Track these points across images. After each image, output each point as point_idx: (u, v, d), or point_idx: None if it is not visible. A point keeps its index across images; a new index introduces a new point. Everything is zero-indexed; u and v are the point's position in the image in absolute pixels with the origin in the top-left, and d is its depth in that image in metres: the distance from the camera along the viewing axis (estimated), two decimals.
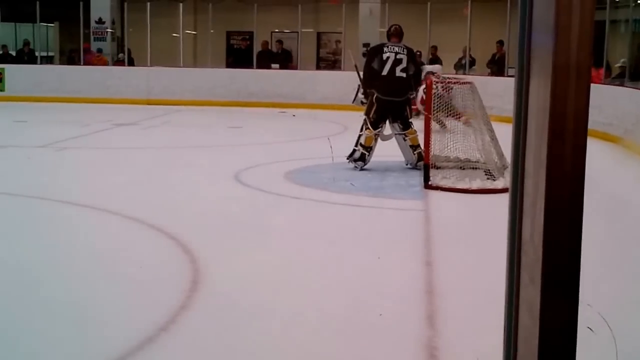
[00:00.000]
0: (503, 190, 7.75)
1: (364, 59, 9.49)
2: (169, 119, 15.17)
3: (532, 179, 1.39)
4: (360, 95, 8.95)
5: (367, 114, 8.88)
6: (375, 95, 8.77)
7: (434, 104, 8.10)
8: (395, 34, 9.01)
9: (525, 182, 1.43)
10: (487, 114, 8.46)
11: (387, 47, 8.88)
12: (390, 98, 8.73)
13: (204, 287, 4.65)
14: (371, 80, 8.90)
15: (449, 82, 8.45)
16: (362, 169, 8.84)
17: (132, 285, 4.70)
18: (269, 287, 4.72)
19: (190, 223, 6.24)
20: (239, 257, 5.33)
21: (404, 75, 8.72)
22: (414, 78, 8.85)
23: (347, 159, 8.90)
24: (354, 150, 8.92)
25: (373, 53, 9.08)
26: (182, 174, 8.69)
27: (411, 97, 9.01)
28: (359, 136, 8.94)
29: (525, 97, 1.40)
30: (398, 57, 8.75)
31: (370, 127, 8.79)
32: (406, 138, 8.88)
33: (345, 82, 16.41)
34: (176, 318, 4.10)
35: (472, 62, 17.44)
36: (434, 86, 8.09)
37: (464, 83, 8.46)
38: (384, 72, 8.72)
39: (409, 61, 8.80)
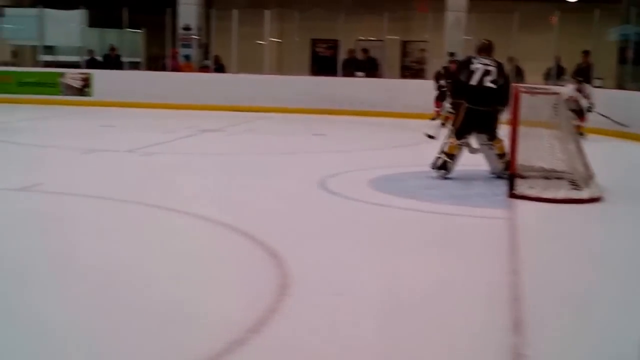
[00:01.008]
0: (589, 201, 7.70)
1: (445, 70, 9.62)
2: (253, 126, 15.44)
3: None
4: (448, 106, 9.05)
5: (453, 123, 8.93)
6: (463, 105, 8.81)
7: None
8: (484, 49, 9.02)
9: None
10: (572, 124, 8.36)
11: (476, 59, 8.92)
12: (478, 107, 8.74)
13: (292, 291, 4.75)
14: (460, 91, 8.96)
15: (536, 92, 8.39)
16: (445, 178, 8.85)
17: (222, 287, 4.86)
18: (356, 293, 4.80)
19: (278, 228, 6.38)
20: (326, 263, 5.44)
21: (494, 86, 8.73)
22: (504, 91, 8.80)
23: (431, 167, 8.94)
24: (438, 158, 8.94)
25: (461, 66, 9.20)
26: (268, 180, 8.86)
27: (500, 109, 8.96)
28: (444, 144, 8.98)
29: None
30: (487, 68, 8.77)
31: (454, 136, 8.83)
32: (493, 147, 8.88)
33: (430, 90, 16.55)
34: (266, 321, 4.21)
35: (561, 72, 17.16)
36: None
37: (552, 94, 8.38)
38: (473, 82, 8.75)
39: (498, 74, 8.81)
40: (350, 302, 4.63)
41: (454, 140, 8.84)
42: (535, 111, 8.23)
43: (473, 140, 9.12)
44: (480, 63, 8.82)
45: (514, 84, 9.14)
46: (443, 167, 8.87)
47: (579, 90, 11.24)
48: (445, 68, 15.74)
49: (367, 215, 7.22)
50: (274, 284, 4.85)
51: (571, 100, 10.50)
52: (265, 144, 12.77)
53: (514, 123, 8.03)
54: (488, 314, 4.43)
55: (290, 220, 6.81)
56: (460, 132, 8.86)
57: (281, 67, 21.27)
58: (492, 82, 8.74)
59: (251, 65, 19.23)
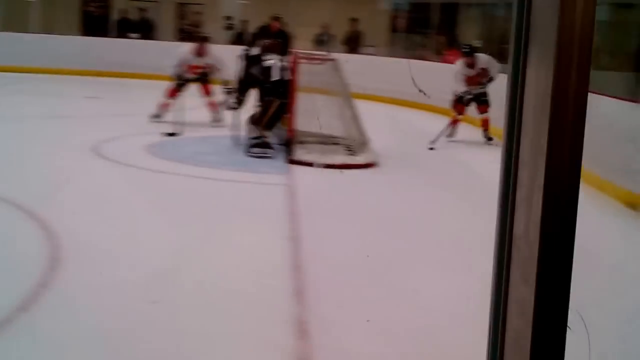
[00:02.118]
0: (364, 165, 7.93)
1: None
2: (21, 87, 14.46)
3: (528, 169, 1.29)
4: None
5: (261, 117, 8.64)
6: (274, 101, 8.60)
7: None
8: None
9: (519, 172, 1.32)
10: (349, 91, 8.55)
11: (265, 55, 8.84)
12: (285, 100, 8.63)
13: (65, 264, 4.50)
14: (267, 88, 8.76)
15: (313, 59, 8.48)
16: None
17: None
18: (133, 261, 4.65)
19: (48, 198, 6.02)
20: (102, 233, 5.20)
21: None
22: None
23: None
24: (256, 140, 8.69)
25: (252, 61, 8.90)
26: (38, 146, 8.32)
27: None
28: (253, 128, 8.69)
29: (521, 80, 1.31)
30: (283, 64, 8.71)
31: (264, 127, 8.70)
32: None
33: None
34: (37, 297, 3.95)
35: (330, 38, 17.37)
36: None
37: (328, 60, 8.51)
38: (275, 77, 8.63)
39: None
40: (132, 274, 4.45)
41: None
42: (312, 77, 8.34)
43: None
44: (273, 59, 8.72)
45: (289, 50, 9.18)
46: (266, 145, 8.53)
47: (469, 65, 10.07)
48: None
49: (144, 182, 7.00)
50: (45, 258, 4.55)
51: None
52: (35, 107, 11.94)
53: (292, 89, 8.08)
54: (271, 283, 4.41)
55: (63, 189, 6.43)
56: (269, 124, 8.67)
57: (49, 26, 20.06)
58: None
59: (16, 23, 18.02)
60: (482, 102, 10.07)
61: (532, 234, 1.27)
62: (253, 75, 8.65)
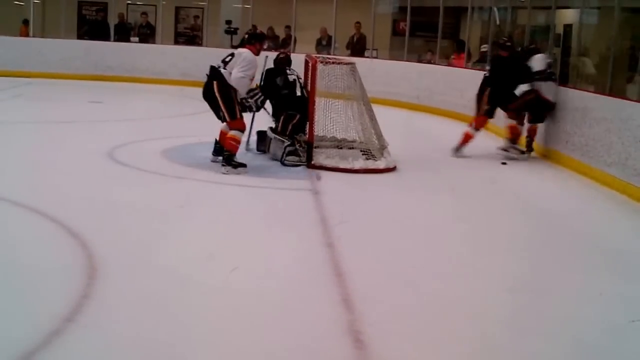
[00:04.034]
0: (385, 170, 7.86)
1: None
2: (21, 91, 14.30)
3: None
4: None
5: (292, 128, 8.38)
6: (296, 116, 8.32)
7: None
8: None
9: None
10: (367, 95, 8.48)
11: (289, 69, 8.68)
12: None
13: (101, 273, 4.39)
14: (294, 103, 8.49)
15: (331, 62, 8.39)
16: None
17: (26, 276, 4.36)
18: (166, 272, 4.54)
19: (74, 206, 5.89)
20: (132, 240, 5.12)
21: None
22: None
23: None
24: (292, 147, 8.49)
25: (277, 74, 8.63)
26: (52, 152, 8.18)
27: None
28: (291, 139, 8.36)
29: None
30: (301, 80, 8.70)
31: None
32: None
33: (207, 57, 16.28)
34: (80, 308, 3.85)
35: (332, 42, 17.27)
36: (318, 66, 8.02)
37: (346, 63, 8.42)
38: (299, 93, 8.57)
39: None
40: (163, 279, 4.38)
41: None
42: (330, 81, 8.25)
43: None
44: (294, 75, 8.63)
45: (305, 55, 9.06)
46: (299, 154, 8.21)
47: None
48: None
49: (167, 188, 6.90)
50: (81, 267, 4.46)
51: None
52: (38, 112, 11.79)
53: (311, 93, 7.99)
54: (317, 291, 4.32)
55: (87, 196, 6.29)
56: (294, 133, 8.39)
57: (46, 30, 19.90)
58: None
59: (13, 27, 17.85)
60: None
61: None
62: (277, 86, 8.49)
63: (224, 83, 7.48)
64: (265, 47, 8.25)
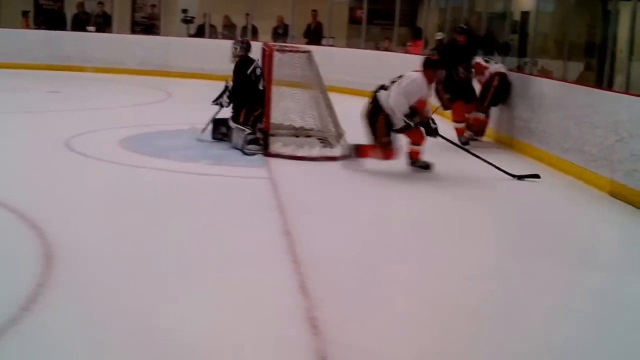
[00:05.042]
0: (342, 158, 7.92)
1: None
2: None
3: None
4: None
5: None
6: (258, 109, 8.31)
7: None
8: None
9: None
10: (323, 83, 8.54)
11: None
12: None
13: (58, 262, 4.42)
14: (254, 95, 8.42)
15: (287, 51, 8.44)
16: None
17: None
18: (126, 258, 4.58)
19: (31, 195, 5.90)
20: (89, 229, 5.13)
21: None
22: None
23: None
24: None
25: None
26: (10, 142, 8.15)
27: None
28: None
29: None
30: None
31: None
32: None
33: (165, 47, 16.35)
34: (37, 297, 3.88)
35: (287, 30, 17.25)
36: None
37: (303, 52, 8.48)
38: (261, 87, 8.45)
39: None
40: (122, 268, 4.41)
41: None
42: (286, 70, 8.30)
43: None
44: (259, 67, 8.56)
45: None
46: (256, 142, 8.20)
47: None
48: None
49: (124, 177, 6.91)
50: (38, 256, 4.47)
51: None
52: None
53: (268, 81, 8.04)
54: (275, 278, 4.39)
55: (44, 186, 6.31)
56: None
57: (2, 20, 19.63)
58: None
59: None
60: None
61: None
62: (249, 79, 8.41)
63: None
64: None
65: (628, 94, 7.16)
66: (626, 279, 4.79)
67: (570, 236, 5.74)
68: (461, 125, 9.40)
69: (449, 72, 9.19)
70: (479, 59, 9.62)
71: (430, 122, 7.44)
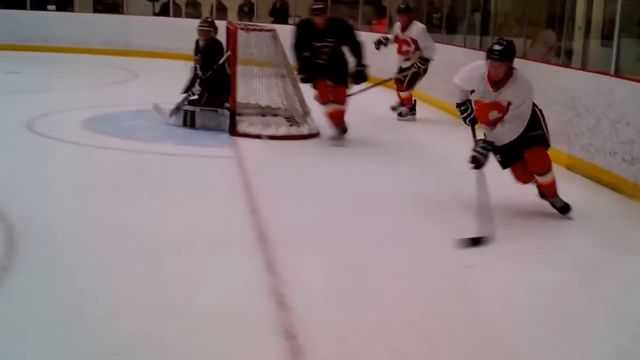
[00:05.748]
0: (309, 136, 7.91)
1: None
2: None
3: None
4: None
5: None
6: None
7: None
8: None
9: None
10: (289, 62, 8.46)
11: None
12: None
13: (20, 245, 4.35)
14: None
15: (252, 29, 8.37)
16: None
17: None
18: (88, 241, 4.53)
19: None
20: (52, 212, 5.05)
21: None
22: None
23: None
24: None
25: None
26: None
27: None
28: None
29: None
30: None
31: None
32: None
33: (128, 25, 16.13)
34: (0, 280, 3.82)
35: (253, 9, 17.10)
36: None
37: (268, 30, 8.40)
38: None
39: None
40: (86, 250, 4.36)
41: None
42: (251, 49, 8.24)
43: None
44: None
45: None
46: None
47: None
48: None
49: (88, 158, 6.82)
50: (0, 240, 4.40)
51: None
52: None
53: (233, 60, 7.96)
54: (241, 256, 4.36)
55: (5, 169, 6.20)
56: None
57: None
58: None
59: None
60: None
61: None
62: (223, 70, 8.24)
63: None
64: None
65: (584, 70, 7.23)
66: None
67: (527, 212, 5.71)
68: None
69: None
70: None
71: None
